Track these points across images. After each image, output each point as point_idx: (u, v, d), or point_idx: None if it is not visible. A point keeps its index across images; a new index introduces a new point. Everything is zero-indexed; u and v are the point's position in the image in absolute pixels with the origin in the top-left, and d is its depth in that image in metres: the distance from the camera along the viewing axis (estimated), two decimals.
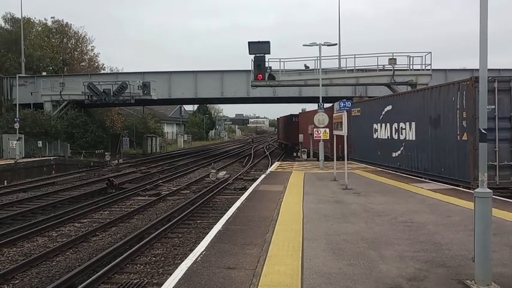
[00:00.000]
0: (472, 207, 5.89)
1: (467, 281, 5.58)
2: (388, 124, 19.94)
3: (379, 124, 20.93)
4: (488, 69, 5.75)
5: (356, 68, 29.51)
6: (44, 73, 43.73)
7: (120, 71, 50.82)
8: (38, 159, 31.36)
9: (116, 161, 35.82)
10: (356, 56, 28.98)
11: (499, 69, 36.92)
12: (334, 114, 17.29)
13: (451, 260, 6.55)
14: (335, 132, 16.92)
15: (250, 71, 30.07)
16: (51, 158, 32.44)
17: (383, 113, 20.41)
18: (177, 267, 6.68)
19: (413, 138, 17.46)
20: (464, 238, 7.69)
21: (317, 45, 24.61)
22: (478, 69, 5.74)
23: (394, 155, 19.25)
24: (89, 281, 8.35)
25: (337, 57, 31.72)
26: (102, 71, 56.66)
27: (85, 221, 14.66)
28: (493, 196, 5.73)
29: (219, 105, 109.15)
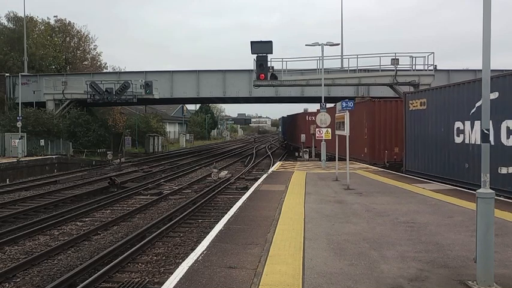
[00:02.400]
0: (474, 208, 5.88)
1: (469, 282, 5.56)
2: (489, 122, 12.33)
3: (468, 122, 14.64)
4: (491, 70, 5.75)
5: (358, 68, 29.51)
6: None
7: (122, 70, 50.95)
8: (40, 157, 31.40)
9: (118, 160, 35.89)
10: (358, 56, 29.04)
11: (502, 70, 36.82)
12: (336, 114, 17.23)
13: (452, 260, 6.54)
14: (337, 132, 16.86)
15: (252, 70, 30.07)
16: (53, 156, 32.49)
17: (478, 104, 13.79)
18: (178, 267, 6.67)
19: None
20: (466, 239, 7.67)
21: (319, 45, 24.56)
22: (481, 70, 5.73)
23: (504, 171, 12.89)
24: (90, 279, 8.37)
25: (340, 57, 31.73)
26: (105, 70, 56.73)
27: (87, 219, 14.69)
28: (495, 197, 5.71)
29: (221, 104, 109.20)
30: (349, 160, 21.76)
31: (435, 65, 31.35)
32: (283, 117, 61.29)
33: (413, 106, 18.38)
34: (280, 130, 67.63)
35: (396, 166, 21.26)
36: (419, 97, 18.24)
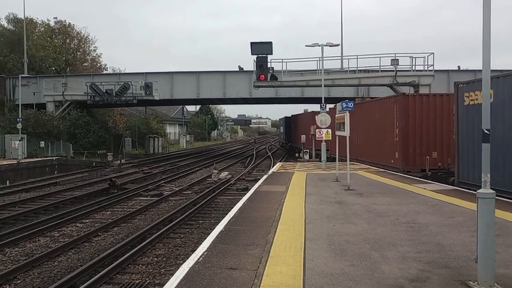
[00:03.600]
0: (474, 208, 5.87)
1: (470, 282, 5.55)
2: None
3: None
4: (492, 70, 5.75)
5: (358, 68, 29.55)
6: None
7: (122, 72, 50.96)
8: (40, 159, 31.40)
9: (118, 161, 35.87)
10: (358, 56, 29.12)
11: (502, 70, 36.85)
12: (336, 115, 17.22)
13: (453, 261, 6.53)
14: (337, 133, 16.86)
15: (252, 71, 30.10)
16: (54, 158, 32.48)
17: None
18: (178, 268, 6.67)
19: None
20: (466, 239, 7.66)
21: (319, 45, 24.58)
22: (481, 70, 5.74)
23: None
24: (90, 281, 8.36)
25: (340, 57, 31.81)
26: (105, 72, 56.71)
27: (87, 221, 14.68)
28: (496, 197, 5.70)
29: (221, 105, 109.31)
30: (375, 167, 19.67)
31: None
32: (286, 117, 56.63)
33: (471, 99, 14.49)
34: (282, 131, 61.24)
35: (442, 176, 17.31)
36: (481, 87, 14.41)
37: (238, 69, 39.00)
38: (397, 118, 19.68)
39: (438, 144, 18.60)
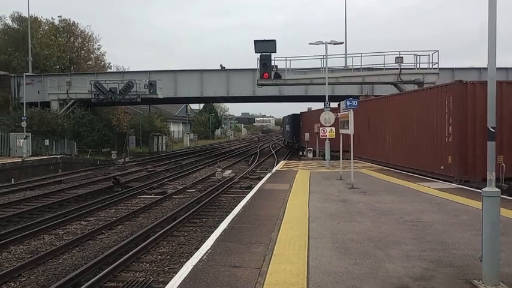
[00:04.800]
0: (479, 207, 5.84)
1: (475, 281, 5.53)
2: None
3: None
4: (496, 68, 5.71)
5: (362, 66, 29.45)
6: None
7: (126, 70, 51.05)
8: (44, 157, 31.50)
9: (122, 159, 35.93)
10: (362, 54, 28.96)
11: (507, 68, 36.71)
12: (340, 113, 17.19)
13: (458, 259, 6.51)
14: (341, 131, 16.84)
15: (256, 69, 30.05)
16: (58, 156, 32.59)
17: None
18: (182, 266, 6.67)
19: None
20: (471, 238, 7.63)
21: (323, 43, 24.51)
22: (486, 68, 5.70)
23: None
24: (94, 279, 8.38)
25: (344, 55, 31.72)
26: (109, 70, 56.92)
27: (91, 219, 14.72)
28: (501, 195, 5.67)
29: (225, 104, 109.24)
30: (418, 175, 16.97)
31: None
32: (294, 114, 51.99)
33: None
34: (288, 129, 56.16)
35: None
36: None
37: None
38: (450, 112, 15.69)
39: (505, 146, 14.26)
